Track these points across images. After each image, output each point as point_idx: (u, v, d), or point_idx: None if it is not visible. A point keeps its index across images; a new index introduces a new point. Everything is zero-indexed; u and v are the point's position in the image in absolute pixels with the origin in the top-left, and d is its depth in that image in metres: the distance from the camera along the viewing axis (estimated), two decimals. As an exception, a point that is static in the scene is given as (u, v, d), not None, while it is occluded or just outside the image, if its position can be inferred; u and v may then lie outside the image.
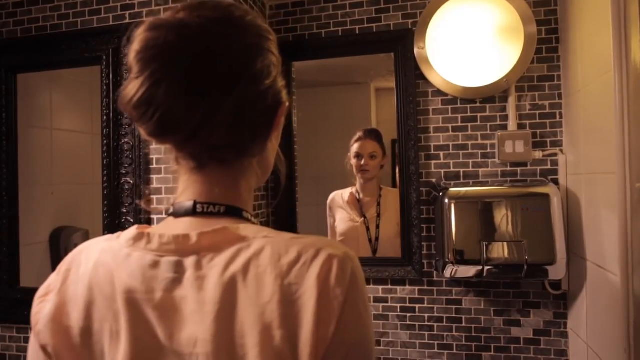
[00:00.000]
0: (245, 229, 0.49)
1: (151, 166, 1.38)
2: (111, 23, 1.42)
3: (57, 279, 0.52)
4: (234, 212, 0.53)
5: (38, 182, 1.51)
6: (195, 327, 0.45)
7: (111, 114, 1.39)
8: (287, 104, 0.57)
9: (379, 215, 1.58)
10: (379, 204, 1.59)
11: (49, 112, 1.53)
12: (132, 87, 0.47)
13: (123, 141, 1.39)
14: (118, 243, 0.51)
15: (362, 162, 1.58)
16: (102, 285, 0.49)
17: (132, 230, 0.51)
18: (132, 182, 1.38)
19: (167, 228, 0.51)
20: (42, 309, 0.51)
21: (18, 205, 1.49)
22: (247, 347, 0.44)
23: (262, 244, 0.47)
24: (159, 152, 1.38)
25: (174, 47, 0.47)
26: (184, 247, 0.48)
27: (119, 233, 0.53)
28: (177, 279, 0.47)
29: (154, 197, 1.38)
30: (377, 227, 1.58)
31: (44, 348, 0.49)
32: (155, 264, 0.48)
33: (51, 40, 1.45)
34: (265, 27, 0.54)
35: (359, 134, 1.60)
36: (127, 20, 1.40)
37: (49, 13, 1.47)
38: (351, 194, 1.62)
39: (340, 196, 1.63)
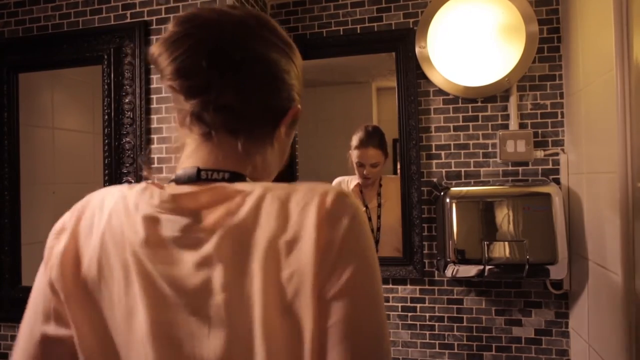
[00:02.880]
0: (241, 185, 0.51)
1: (152, 166, 1.39)
2: (112, 22, 1.42)
3: (71, 218, 0.54)
4: (238, 179, 0.53)
5: (39, 182, 1.51)
6: (204, 277, 0.47)
7: (112, 114, 1.39)
8: (300, 107, 0.61)
9: (379, 205, 1.57)
10: (379, 194, 1.58)
11: (51, 111, 1.54)
12: (154, 47, 0.53)
13: (124, 140, 1.39)
14: (130, 193, 0.52)
15: (365, 171, 1.55)
16: (115, 234, 0.50)
17: (142, 184, 0.53)
18: (133, 181, 1.38)
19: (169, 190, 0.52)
20: (56, 244, 0.52)
21: (20, 204, 1.50)
22: (254, 289, 0.45)
23: (262, 192, 0.49)
24: (160, 152, 1.38)
25: (198, 34, 0.52)
26: (182, 205, 0.50)
27: (134, 184, 0.54)
28: (179, 237, 0.48)
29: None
30: (379, 217, 1.56)
31: (51, 284, 0.51)
32: (156, 220, 0.49)
33: (52, 40, 1.45)
34: (294, 45, 0.61)
35: (359, 137, 1.56)
36: (128, 20, 1.40)
37: (50, 12, 1.47)
38: (356, 185, 1.60)
39: (347, 184, 1.62)
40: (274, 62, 0.55)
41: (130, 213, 0.50)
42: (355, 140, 1.58)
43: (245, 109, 0.53)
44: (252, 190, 0.49)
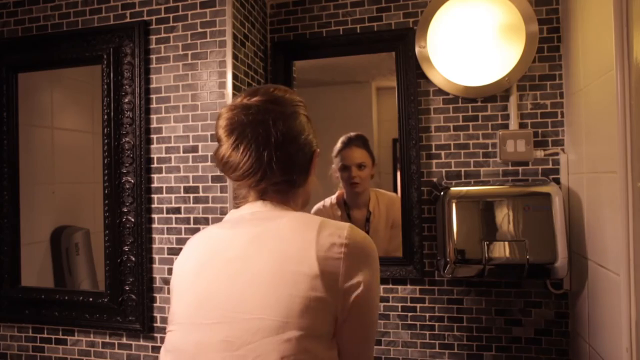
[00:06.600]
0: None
1: (152, 165, 1.38)
2: (112, 22, 1.42)
3: None
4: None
5: (39, 181, 1.51)
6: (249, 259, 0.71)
7: (112, 113, 1.39)
8: (319, 150, 0.83)
9: (369, 212, 1.53)
10: (368, 210, 1.52)
11: (50, 111, 1.53)
12: (223, 150, 0.75)
13: (124, 140, 1.39)
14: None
15: (352, 173, 1.48)
16: None
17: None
18: (132, 181, 1.38)
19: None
20: None
21: (19, 204, 1.50)
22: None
23: (293, 214, 0.76)
24: (160, 151, 1.38)
25: (243, 122, 0.74)
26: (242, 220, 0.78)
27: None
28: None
29: (155, 196, 1.38)
30: (367, 220, 1.52)
31: None
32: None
33: (52, 40, 1.45)
34: (297, 98, 0.82)
35: (341, 142, 1.49)
36: (128, 20, 1.40)
37: (50, 12, 1.47)
38: (338, 195, 1.53)
39: (327, 202, 1.56)
40: (297, 131, 0.78)
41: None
42: (336, 147, 1.53)
43: (289, 177, 0.77)
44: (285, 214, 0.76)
